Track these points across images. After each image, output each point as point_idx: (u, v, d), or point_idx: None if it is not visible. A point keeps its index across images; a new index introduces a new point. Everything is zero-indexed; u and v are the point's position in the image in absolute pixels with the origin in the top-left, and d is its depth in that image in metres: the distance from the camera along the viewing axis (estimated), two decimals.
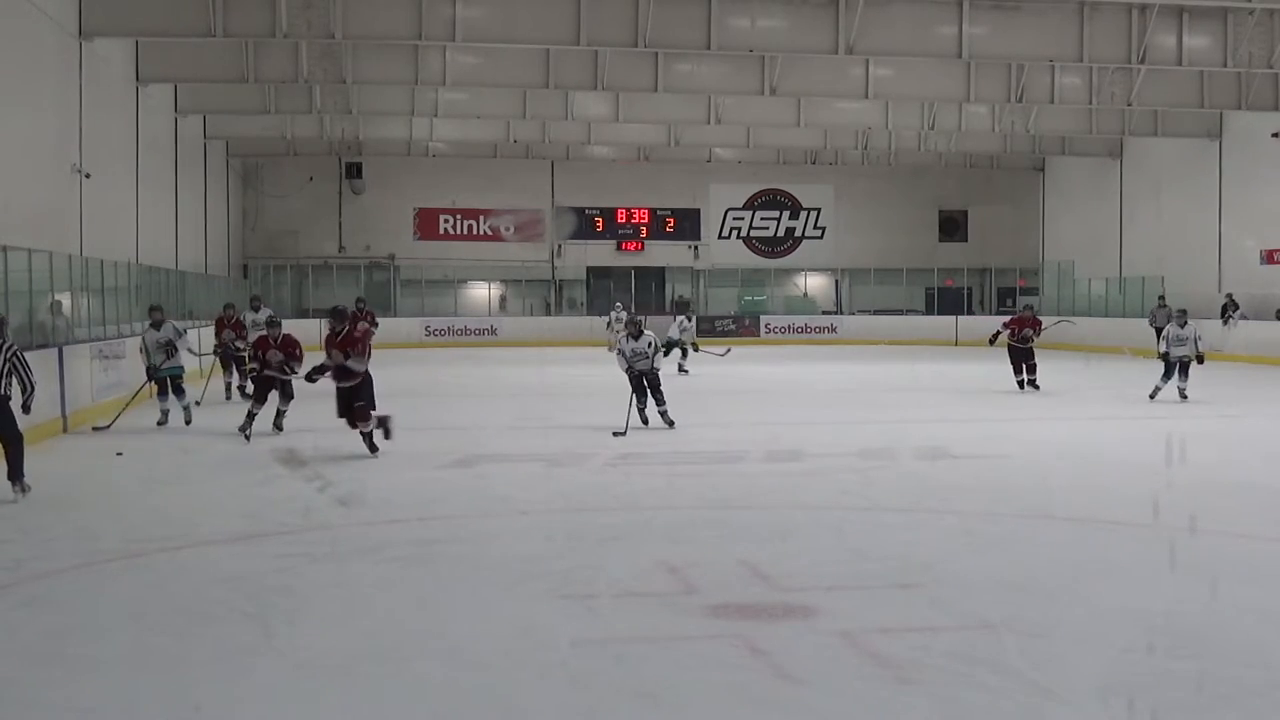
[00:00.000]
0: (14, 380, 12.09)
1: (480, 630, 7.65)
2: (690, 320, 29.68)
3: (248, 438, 16.31)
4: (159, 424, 18.12)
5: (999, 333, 25.22)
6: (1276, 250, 32.61)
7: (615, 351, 34.79)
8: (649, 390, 17.67)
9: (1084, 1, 23.66)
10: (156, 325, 18.26)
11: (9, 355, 12.01)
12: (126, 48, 27.11)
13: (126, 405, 18.42)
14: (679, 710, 6.26)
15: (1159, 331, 29.38)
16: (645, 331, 17.88)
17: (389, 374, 20.57)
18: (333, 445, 14.88)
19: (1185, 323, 21.07)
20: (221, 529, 10.80)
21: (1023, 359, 24.50)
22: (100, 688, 6.59)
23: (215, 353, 21.96)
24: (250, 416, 16.56)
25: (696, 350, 28.55)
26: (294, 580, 9.01)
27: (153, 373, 18.18)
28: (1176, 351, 21.03)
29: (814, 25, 24.45)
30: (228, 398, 21.49)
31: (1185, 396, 20.95)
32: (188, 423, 18.28)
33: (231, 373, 21.90)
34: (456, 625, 7.77)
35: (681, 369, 28.19)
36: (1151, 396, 21.15)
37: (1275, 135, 31.80)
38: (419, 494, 12.58)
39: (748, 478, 13.95)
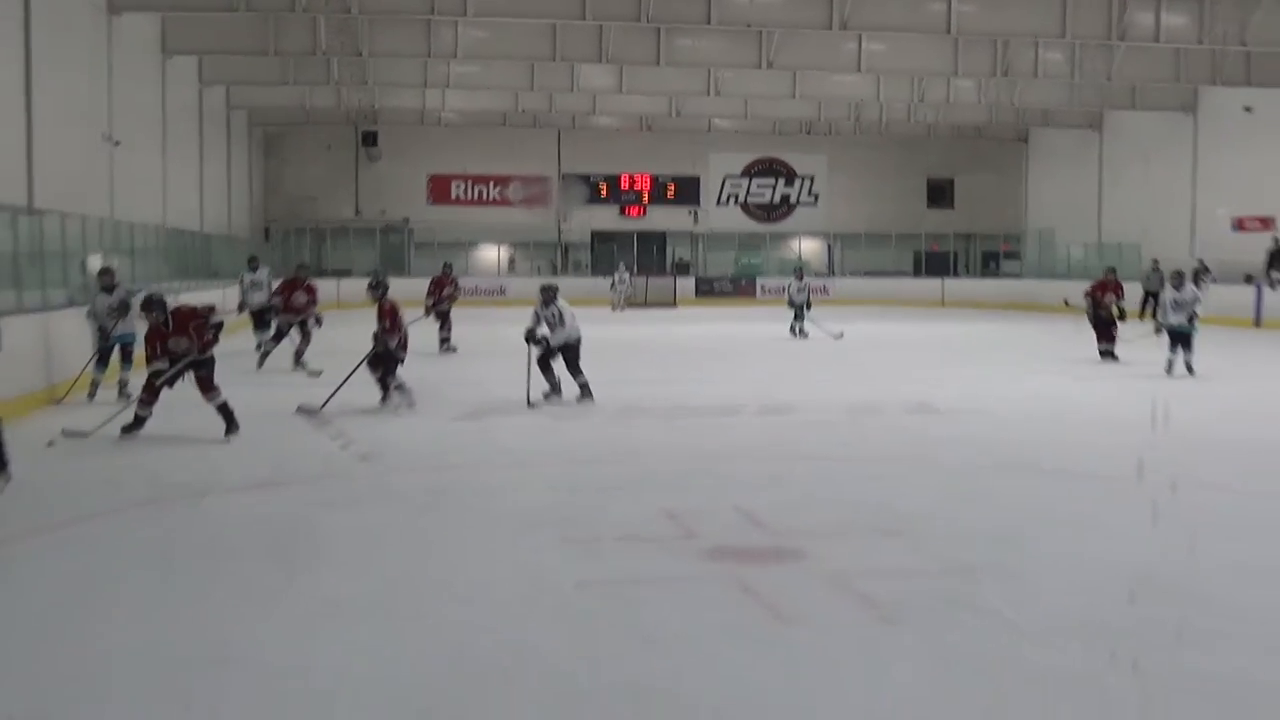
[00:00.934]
0: None
1: (490, 573, 7.69)
2: (802, 280, 27.18)
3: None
4: (121, 394, 15.54)
5: (1084, 298, 21.60)
6: (1246, 218, 32.68)
7: (619, 310, 35.39)
8: (565, 361, 15.87)
9: None
10: (108, 289, 15.96)
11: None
12: (154, 22, 27.05)
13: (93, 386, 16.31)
14: (678, 648, 6.27)
15: (1151, 296, 29.30)
16: (559, 301, 15.91)
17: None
18: (351, 401, 14.86)
19: (1182, 284, 18.54)
20: (245, 477, 10.83)
21: (1106, 326, 21.03)
22: (130, 626, 6.61)
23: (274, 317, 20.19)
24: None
25: (810, 309, 26.67)
26: (314, 525, 9.04)
27: (106, 339, 15.87)
28: (1175, 317, 18.15)
29: (809, 2, 24.43)
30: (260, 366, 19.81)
31: (1192, 370, 18.06)
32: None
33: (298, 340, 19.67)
34: (468, 569, 7.80)
35: (798, 331, 26.57)
36: (1168, 371, 18.15)
37: (1247, 109, 31.89)
38: (432, 446, 12.62)
39: (743, 430, 13.97)
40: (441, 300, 23.38)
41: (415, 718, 5.37)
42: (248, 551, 8.24)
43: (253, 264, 22.45)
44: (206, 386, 12.77)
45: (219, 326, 13.14)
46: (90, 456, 11.77)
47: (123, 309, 15.75)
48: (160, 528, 9.09)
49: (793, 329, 26.54)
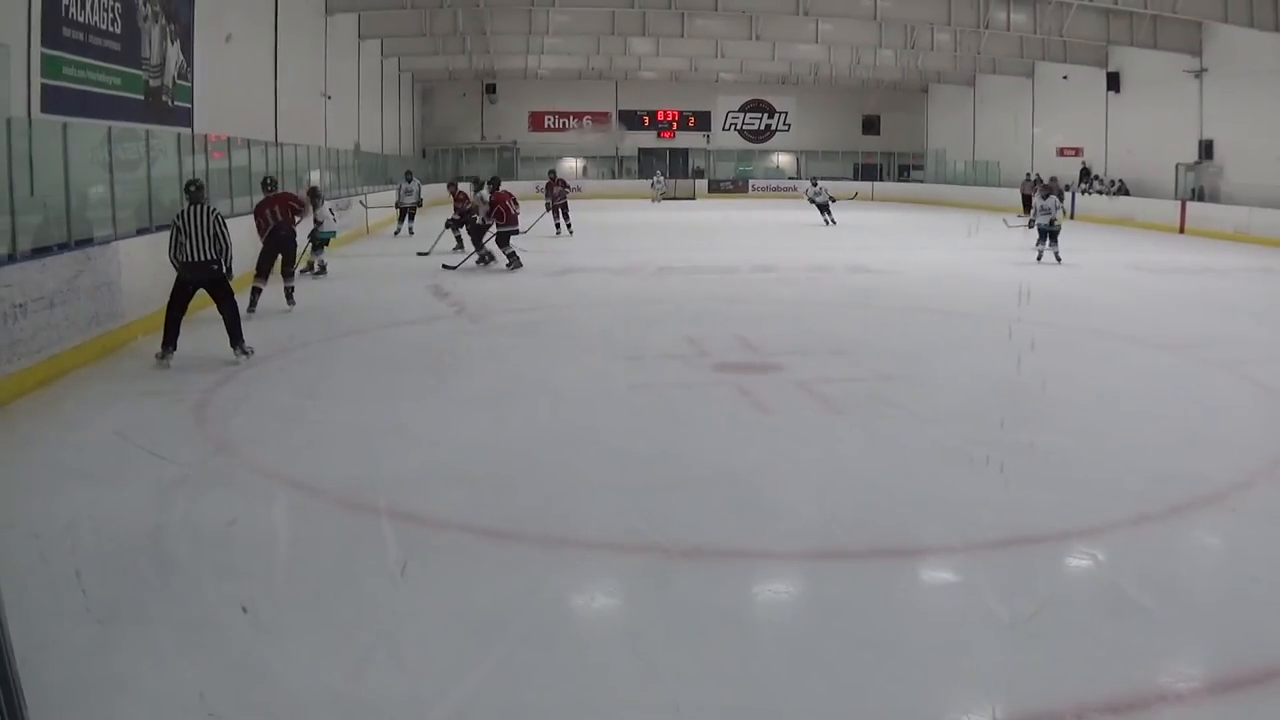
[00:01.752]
0: (217, 245, 7.94)
1: (570, 377, 7.70)
2: (817, 185, 25.92)
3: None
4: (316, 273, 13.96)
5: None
6: (1065, 148, 32.49)
7: (656, 202, 35.21)
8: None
9: None
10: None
11: (214, 220, 7.95)
12: (353, 19, 26.99)
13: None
14: (696, 427, 6.30)
15: (1028, 200, 28.86)
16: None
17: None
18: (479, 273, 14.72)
19: (1048, 194, 16.47)
20: (410, 316, 10.84)
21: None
22: (341, 411, 6.71)
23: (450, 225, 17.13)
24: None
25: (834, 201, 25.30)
26: (454, 347, 9.10)
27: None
28: (1043, 219, 15.88)
29: None
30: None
31: (1059, 259, 15.71)
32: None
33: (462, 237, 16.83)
34: (555, 374, 7.82)
35: (828, 221, 24.63)
36: (1038, 259, 15.79)
37: (1064, 78, 31.84)
38: (532, 293, 12.56)
39: (740, 283, 13.83)
40: (554, 198, 21.44)
41: (522, 468, 5.41)
42: (413, 364, 8.29)
43: (408, 175, 22.17)
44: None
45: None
46: (315, 305, 11.79)
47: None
48: (359, 348, 9.16)
49: (825, 221, 24.70)
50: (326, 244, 14.46)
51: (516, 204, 15.11)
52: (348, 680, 3.26)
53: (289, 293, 11.07)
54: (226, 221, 8.12)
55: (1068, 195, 29.47)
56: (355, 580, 4.01)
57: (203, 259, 7.91)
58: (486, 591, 3.90)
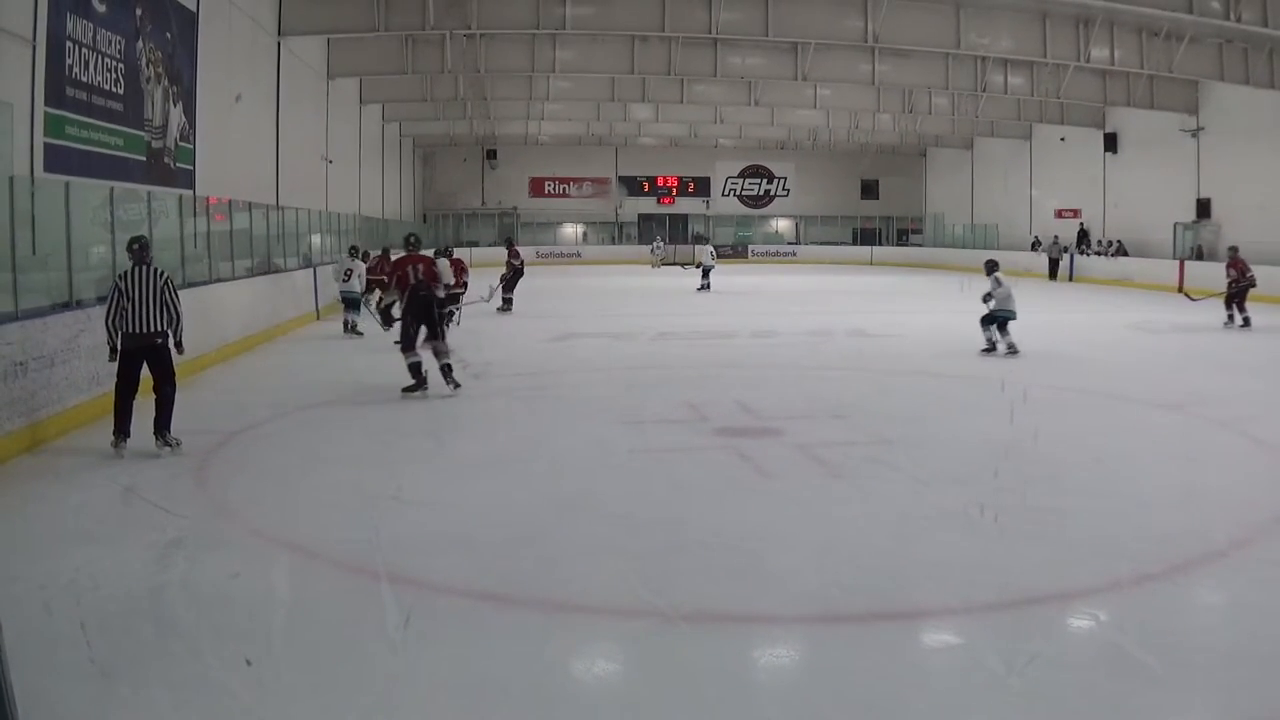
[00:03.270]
0: (165, 314, 7.04)
1: (570, 442, 7.76)
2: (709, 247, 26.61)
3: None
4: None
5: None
6: (1063, 209, 32.86)
7: (656, 267, 35.43)
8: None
9: (948, 53, 23.41)
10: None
11: (163, 286, 7.06)
12: (354, 83, 27.27)
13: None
14: (696, 492, 6.34)
15: (1054, 262, 29.39)
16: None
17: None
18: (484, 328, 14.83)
19: (992, 270, 12.93)
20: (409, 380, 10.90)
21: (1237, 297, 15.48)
22: (340, 475, 6.73)
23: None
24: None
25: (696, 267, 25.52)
26: (455, 411, 9.15)
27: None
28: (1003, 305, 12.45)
29: (781, 63, 24.24)
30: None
31: (1015, 350, 12.35)
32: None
33: None
34: (555, 438, 7.88)
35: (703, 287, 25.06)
36: (992, 348, 12.42)
37: (1062, 139, 32.17)
38: (532, 358, 12.67)
39: (739, 347, 13.96)
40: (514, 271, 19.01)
41: (523, 532, 5.45)
42: (414, 428, 8.35)
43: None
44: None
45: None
46: (311, 370, 11.89)
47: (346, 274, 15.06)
48: (360, 412, 9.21)
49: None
50: (358, 305, 14.93)
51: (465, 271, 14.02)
52: None
53: (446, 371, 9.72)
54: (177, 288, 7.28)
55: (1065, 256, 29.85)
56: (355, 643, 4.05)
57: (148, 330, 6.98)
58: (487, 655, 3.93)
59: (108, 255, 9.49)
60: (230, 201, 14.40)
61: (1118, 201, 30.07)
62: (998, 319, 12.55)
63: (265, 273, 15.01)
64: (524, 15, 20.33)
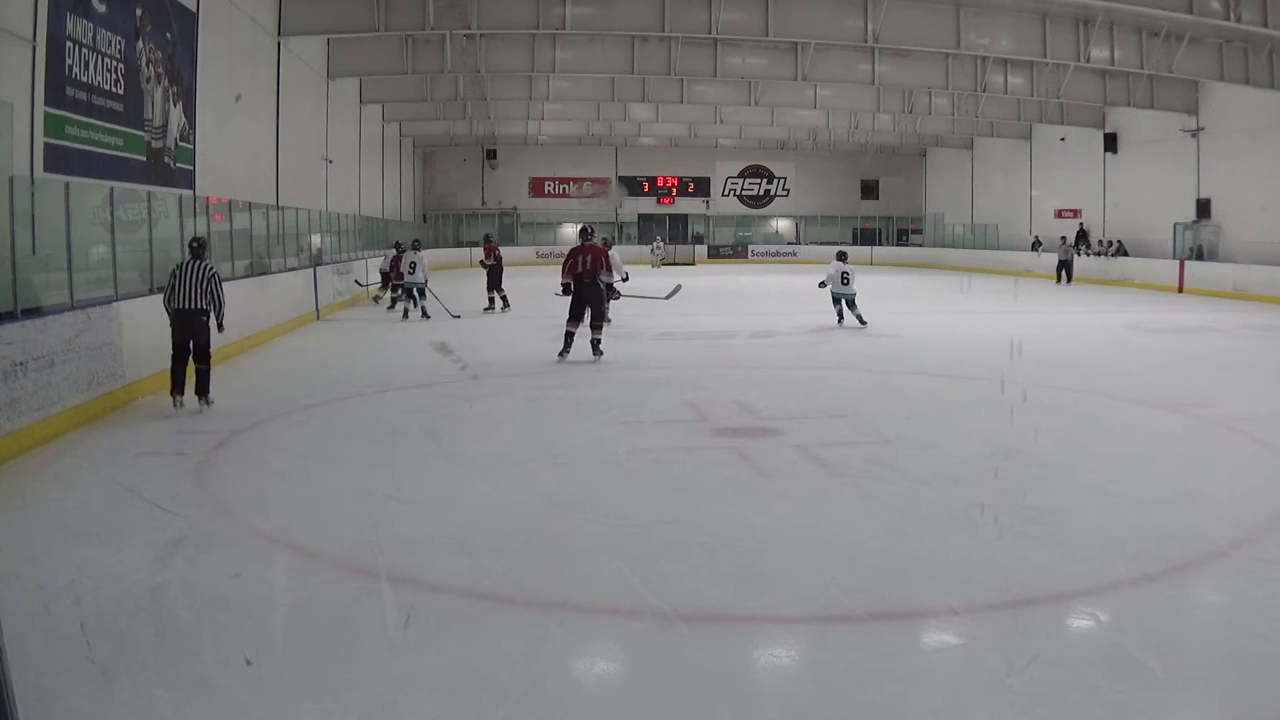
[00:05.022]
0: (205, 297, 8.79)
1: (570, 443, 7.74)
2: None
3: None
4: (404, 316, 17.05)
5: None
6: (1063, 209, 32.82)
7: (656, 267, 35.45)
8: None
9: (948, 53, 23.37)
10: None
11: (209, 276, 8.79)
12: (354, 83, 27.24)
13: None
14: (696, 492, 6.33)
15: (1064, 264, 28.67)
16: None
17: (513, 283, 20.57)
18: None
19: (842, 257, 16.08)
20: (410, 380, 10.95)
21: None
22: (340, 475, 6.74)
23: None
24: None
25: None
26: (455, 411, 9.15)
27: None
28: (842, 288, 15.64)
29: (781, 63, 24.23)
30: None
31: (863, 322, 15.58)
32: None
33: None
34: (555, 439, 7.86)
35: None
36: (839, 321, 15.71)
37: (1062, 139, 32.19)
38: (532, 358, 12.67)
39: (740, 347, 13.96)
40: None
41: (521, 532, 5.45)
42: (413, 428, 8.34)
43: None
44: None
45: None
46: (316, 367, 11.91)
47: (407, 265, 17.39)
48: (359, 411, 9.22)
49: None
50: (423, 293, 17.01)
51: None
52: None
53: (595, 345, 12.03)
54: (222, 282, 8.93)
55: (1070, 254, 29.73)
56: (354, 643, 4.05)
57: (193, 307, 8.67)
58: (485, 656, 3.93)
59: (108, 255, 9.49)
60: (230, 202, 14.40)
61: (1118, 201, 30.07)
62: (840, 299, 15.77)
63: (264, 273, 15.01)
64: (524, 15, 20.32)
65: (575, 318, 11.88)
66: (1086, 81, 25.41)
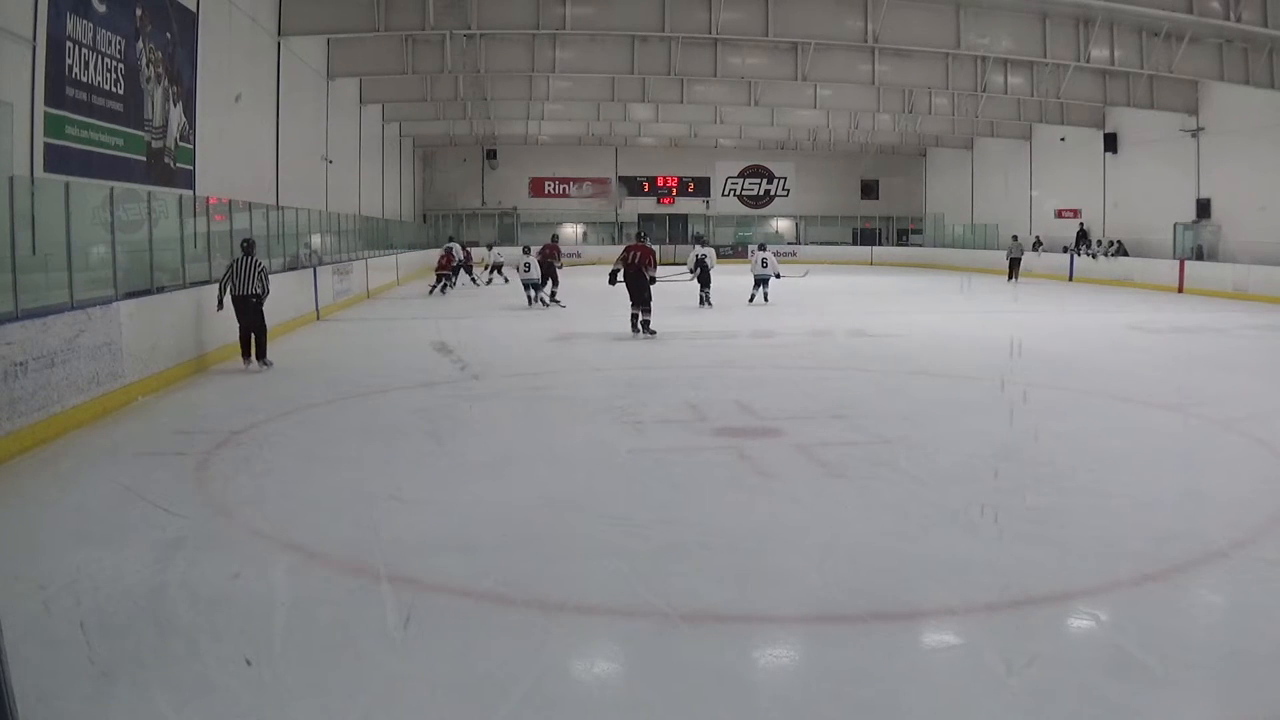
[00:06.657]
0: (258, 285, 11.11)
1: (570, 443, 7.75)
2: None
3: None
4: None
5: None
6: (1063, 209, 32.87)
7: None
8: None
9: (948, 53, 23.40)
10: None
11: (259, 269, 11.16)
12: (354, 83, 27.27)
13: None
14: (696, 492, 6.33)
15: (1013, 261, 28.97)
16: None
17: (515, 284, 20.58)
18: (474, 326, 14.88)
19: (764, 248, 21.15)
20: (411, 380, 10.95)
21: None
22: (341, 475, 6.74)
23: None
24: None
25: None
26: (455, 411, 9.15)
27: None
28: (761, 271, 20.27)
29: (781, 63, 24.26)
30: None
31: (767, 299, 20.15)
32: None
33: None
34: (556, 440, 7.86)
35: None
36: (750, 301, 20.17)
37: (1062, 139, 32.49)
38: (532, 358, 12.69)
39: (740, 347, 13.94)
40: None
41: (522, 532, 5.44)
42: (413, 428, 8.34)
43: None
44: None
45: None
46: (316, 367, 11.91)
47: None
48: (359, 411, 9.22)
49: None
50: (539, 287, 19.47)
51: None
52: None
53: (644, 325, 14.48)
54: (268, 273, 11.41)
55: (1024, 256, 29.73)
56: (354, 643, 4.04)
57: (249, 292, 11.02)
58: (486, 655, 3.93)
59: (108, 255, 9.49)
60: (230, 202, 14.40)
61: (1118, 201, 30.09)
62: (759, 280, 20.16)
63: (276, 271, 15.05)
64: (524, 15, 20.34)
65: (633, 301, 14.53)
66: (1086, 81, 25.44)
